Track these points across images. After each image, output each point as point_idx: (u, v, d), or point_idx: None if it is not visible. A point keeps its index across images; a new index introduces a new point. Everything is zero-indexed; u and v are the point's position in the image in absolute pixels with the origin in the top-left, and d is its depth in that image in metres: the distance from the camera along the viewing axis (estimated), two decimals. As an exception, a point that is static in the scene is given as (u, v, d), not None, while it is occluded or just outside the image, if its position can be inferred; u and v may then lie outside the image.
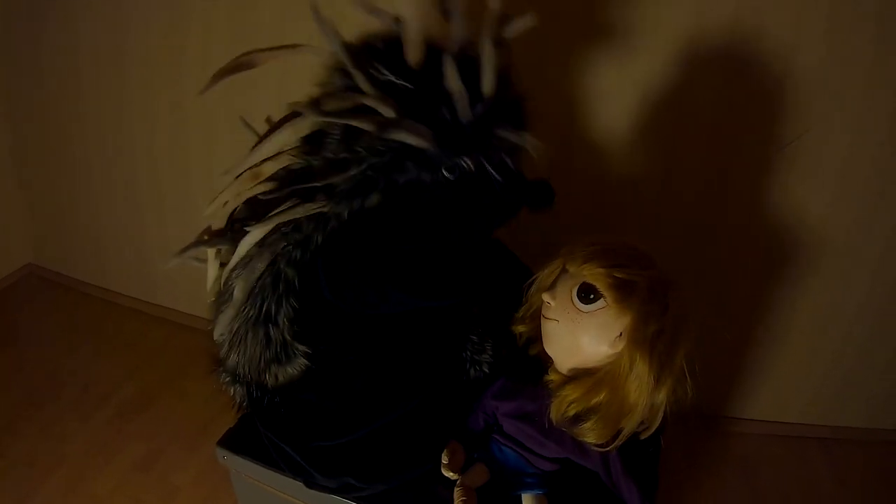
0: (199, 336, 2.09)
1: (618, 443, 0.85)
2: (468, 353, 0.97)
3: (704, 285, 1.77)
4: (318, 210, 0.79)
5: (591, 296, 0.82)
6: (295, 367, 0.88)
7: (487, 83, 0.75)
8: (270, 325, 0.85)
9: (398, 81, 0.74)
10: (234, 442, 1.01)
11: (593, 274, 0.81)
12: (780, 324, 1.84)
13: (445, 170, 0.77)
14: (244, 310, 0.85)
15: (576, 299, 0.83)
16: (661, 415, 0.84)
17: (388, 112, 0.73)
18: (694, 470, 1.84)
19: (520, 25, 0.80)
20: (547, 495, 0.92)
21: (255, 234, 0.81)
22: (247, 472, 1.01)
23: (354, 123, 0.74)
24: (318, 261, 0.83)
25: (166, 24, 1.76)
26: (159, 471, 1.69)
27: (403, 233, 0.82)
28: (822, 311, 1.81)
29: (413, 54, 0.76)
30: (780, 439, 1.99)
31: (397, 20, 0.78)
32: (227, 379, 0.96)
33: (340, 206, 0.78)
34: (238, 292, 0.85)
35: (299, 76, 0.81)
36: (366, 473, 0.91)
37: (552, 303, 0.85)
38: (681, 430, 1.88)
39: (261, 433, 0.97)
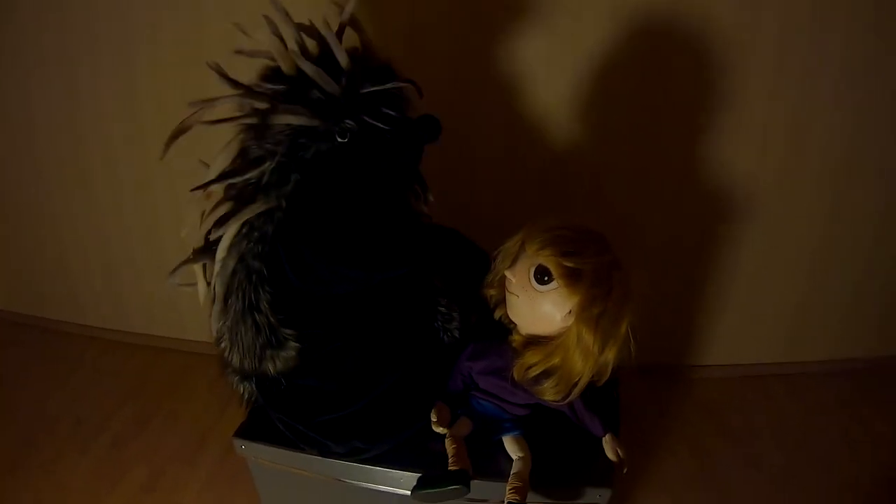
0: (181, 357, 2.30)
1: (572, 397, 1.07)
2: (439, 322, 1.17)
3: (651, 246, 2.00)
4: (262, 208, 1.00)
5: (546, 277, 1.02)
6: (289, 351, 1.06)
7: (341, 58, 0.99)
8: (255, 313, 1.04)
9: (276, 87, 0.99)
10: (249, 432, 1.19)
11: (547, 259, 1.01)
12: (726, 271, 2.08)
13: (338, 136, 0.99)
14: (230, 305, 1.05)
15: (532, 280, 1.03)
16: (610, 369, 1.05)
17: (262, 104, 0.96)
18: (665, 418, 2.07)
19: (349, 8, 1.06)
20: (523, 435, 1.12)
21: (224, 241, 1.02)
22: (264, 457, 1.19)
23: (242, 121, 0.98)
24: (280, 249, 1.02)
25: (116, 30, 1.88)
26: (164, 490, 1.83)
27: (333, 200, 1.03)
28: (763, 255, 2.05)
29: (284, 66, 0.99)
30: (742, 380, 2.24)
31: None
32: (236, 378, 1.15)
33: (273, 197, 1.00)
34: (219, 289, 1.05)
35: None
36: (370, 436, 1.11)
37: (513, 279, 1.06)
38: (648, 383, 2.15)
39: (273, 418, 1.15)
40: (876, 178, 1.96)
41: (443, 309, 1.18)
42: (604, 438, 1.13)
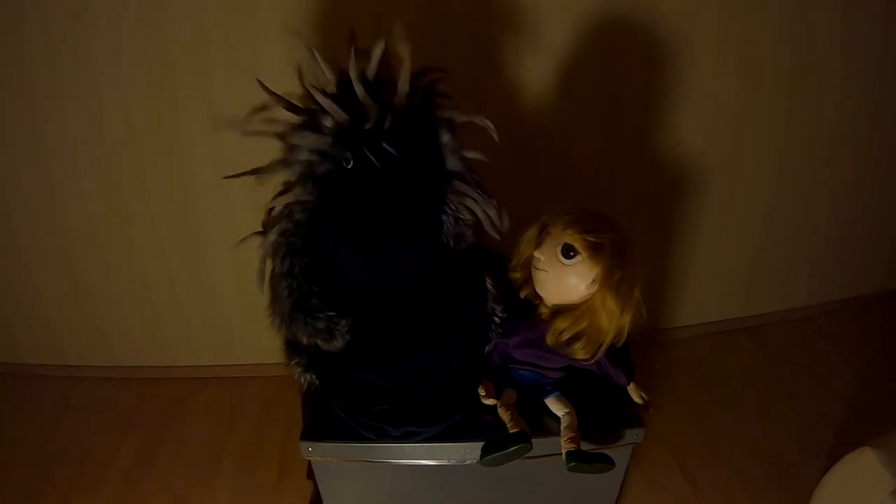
0: (172, 385, 2.42)
1: (599, 355, 1.30)
2: (493, 334, 1.36)
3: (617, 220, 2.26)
4: (293, 199, 1.18)
5: (572, 253, 1.24)
6: (319, 323, 1.22)
7: (358, 93, 1.13)
8: (289, 278, 1.21)
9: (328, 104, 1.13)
10: (313, 433, 1.34)
11: (573, 237, 1.24)
12: (686, 240, 2.37)
13: (343, 160, 1.14)
14: (275, 270, 1.22)
15: (560, 256, 1.25)
16: (626, 331, 1.29)
17: (283, 126, 1.16)
18: (648, 377, 2.28)
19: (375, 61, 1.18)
20: (564, 394, 1.34)
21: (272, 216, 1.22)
22: (330, 455, 1.34)
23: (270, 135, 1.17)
24: (317, 229, 1.20)
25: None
26: (190, 513, 1.91)
27: (347, 206, 1.18)
28: (717, 222, 2.36)
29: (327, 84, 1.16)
30: (710, 336, 2.57)
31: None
32: (299, 369, 1.32)
33: (298, 191, 1.17)
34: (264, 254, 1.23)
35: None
36: (423, 421, 1.29)
37: (542, 258, 1.27)
38: (631, 347, 2.42)
39: (334, 406, 1.32)
40: (815, 143, 2.29)
41: (496, 319, 1.37)
42: (628, 387, 1.38)
